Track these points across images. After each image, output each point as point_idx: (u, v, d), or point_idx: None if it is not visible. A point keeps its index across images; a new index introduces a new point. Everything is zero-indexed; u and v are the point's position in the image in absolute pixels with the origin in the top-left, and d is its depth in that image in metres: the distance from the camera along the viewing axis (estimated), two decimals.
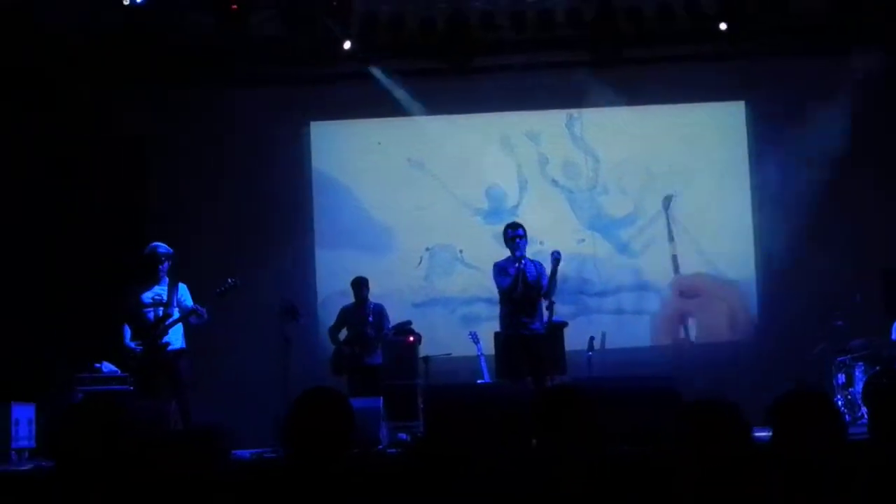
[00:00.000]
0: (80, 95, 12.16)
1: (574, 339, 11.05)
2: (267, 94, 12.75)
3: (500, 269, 9.62)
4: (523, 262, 9.47)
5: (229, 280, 9.65)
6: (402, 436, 9.55)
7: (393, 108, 13.02)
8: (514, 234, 9.58)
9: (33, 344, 11.22)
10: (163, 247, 9.66)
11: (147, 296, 9.52)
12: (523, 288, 9.43)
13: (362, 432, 8.09)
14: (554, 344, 9.66)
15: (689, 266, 13.20)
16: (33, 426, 10.06)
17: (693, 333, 13.09)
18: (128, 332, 9.55)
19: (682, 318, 13.21)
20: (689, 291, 13.20)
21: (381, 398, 9.23)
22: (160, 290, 9.53)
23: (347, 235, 13.27)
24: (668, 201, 13.14)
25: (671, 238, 13.24)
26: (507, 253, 9.90)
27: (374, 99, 13.02)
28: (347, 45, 12.23)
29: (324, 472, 3.35)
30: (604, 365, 11.11)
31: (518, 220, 9.90)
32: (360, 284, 11.47)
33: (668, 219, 13.25)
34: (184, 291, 9.64)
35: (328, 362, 11.43)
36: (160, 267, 9.56)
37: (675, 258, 13.28)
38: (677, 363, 11.85)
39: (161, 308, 9.47)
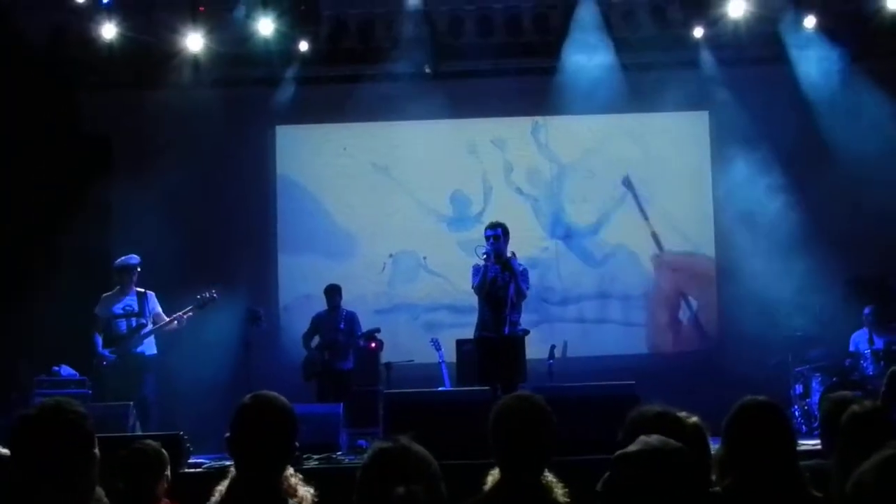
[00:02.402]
0: (46, 95, 12.08)
1: (536, 348, 11.10)
2: (233, 96, 12.69)
3: (474, 272, 9.60)
4: (489, 260, 9.39)
5: (209, 293, 9.88)
6: (362, 442, 9.57)
7: (359, 113, 13.01)
8: (491, 234, 9.50)
9: None
10: (134, 258, 10.02)
11: (118, 307, 9.90)
12: (489, 288, 9.39)
13: (322, 437, 8.11)
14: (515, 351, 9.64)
15: (644, 278, 13.28)
16: None
17: (656, 342, 13.18)
18: (99, 340, 9.78)
19: (641, 327, 13.30)
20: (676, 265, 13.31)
21: (342, 404, 9.22)
22: (130, 301, 9.92)
23: (311, 241, 13.28)
24: (628, 181, 13.16)
25: (645, 217, 13.30)
26: (471, 260, 9.88)
27: (341, 103, 13.03)
28: (303, 46, 12.22)
29: (267, 480, 3.33)
30: (565, 374, 11.13)
31: (498, 221, 9.79)
32: (332, 292, 11.52)
33: (636, 197, 13.30)
34: (153, 300, 9.90)
35: (295, 368, 11.47)
36: (129, 277, 9.83)
37: (654, 235, 13.34)
38: (639, 372, 11.92)
39: (134, 318, 9.78)
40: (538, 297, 12.62)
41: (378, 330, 11.65)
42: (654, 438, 2.91)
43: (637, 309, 13.30)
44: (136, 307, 9.87)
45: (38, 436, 2.98)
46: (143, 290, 9.97)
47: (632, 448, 2.89)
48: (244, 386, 9.49)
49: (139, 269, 9.99)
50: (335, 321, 11.41)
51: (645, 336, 13.27)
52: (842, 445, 3.48)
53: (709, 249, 13.25)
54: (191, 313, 9.89)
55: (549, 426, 3.62)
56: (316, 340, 11.50)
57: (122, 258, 10.05)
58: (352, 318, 11.51)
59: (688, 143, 13.52)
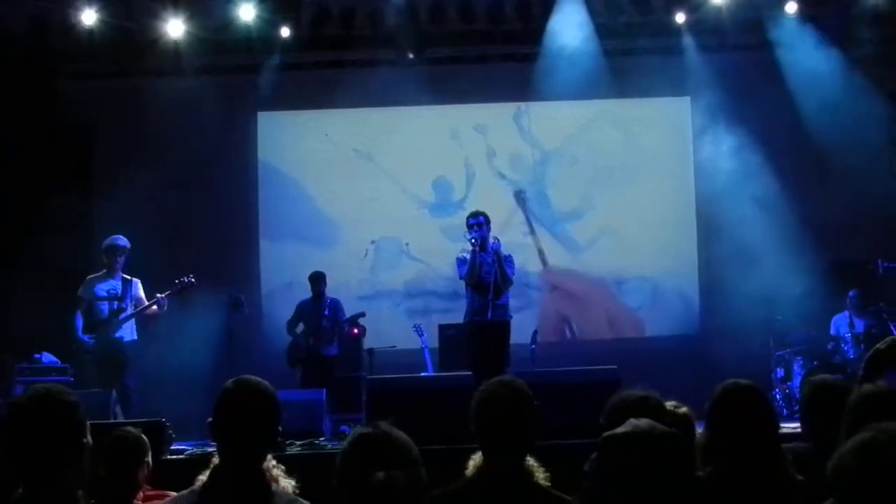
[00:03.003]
0: (26, 84, 12.00)
1: (520, 332, 11.09)
2: (214, 83, 12.63)
3: (459, 261, 9.67)
4: (476, 247, 9.45)
5: (186, 278, 9.81)
6: (345, 428, 9.55)
7: (341, 99, 12.97)
8: (474, 222, 9.57)
9: None
10: (122, 240, 9.89)
11: (101, 288, 9.78)
12: (476, 275, 9.46)
13: (305, 423, 8.09)
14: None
15: (630, 260, 13.30)
16: None
17: (638, 327, 13.21)
18: (80, 322, 9.65)
19: (624, 314, 13.32)
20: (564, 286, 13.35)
21: (325, 390, 9.20)
22: (115, 284, 9.80)
23: (293, 227, 13.25)
24: (520, 195, 13.12)
25: (532, 232, 13.32)
26: (454, 246, 9.92)
27: (323, 90, 12.99)
28: (285, 32, 12.18)
29: (249, 465, 3.31)
30: (548, 358, 11.15)
31: (478, 210, 9.85)
32: (317, 279, 11.49)
33: (525, 213, 13.33)
34: (136, 287, 9.83)
35: (278, 354, 11.47)
36: (116, 259, 9.72)
37: (540, 252, 13.35)
38: (623, 356, 11.93)
39: (116, 302, 9.67)
40: (521, 282, 12.61)
41: (363, 314, 11.65)
42: (643, 422, 2.90)
43: (622, 294, 13.31)
44: (119, 291, 9.76)
45: (29, 425, 2.94)
46: (129, 276, 9.90)
47: (620, 430, 2.88)
48: (227, 372, 9.40)
49: (127, 254, 9.86)
50: (320, 308, 11.40)
51: (630, 321, 13.28)
52: (849, 425, 3.45)
53: (690, 234, 13.26)
54: (167, 297, 9.77)
55: (531, 411, 3.62)
56: (300, 328, 11.48)
57: (110, 238, 9.93)
58: (336, 306, 11.51)
59: (670, 128, 13.53)
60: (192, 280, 9.91)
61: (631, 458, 2.79)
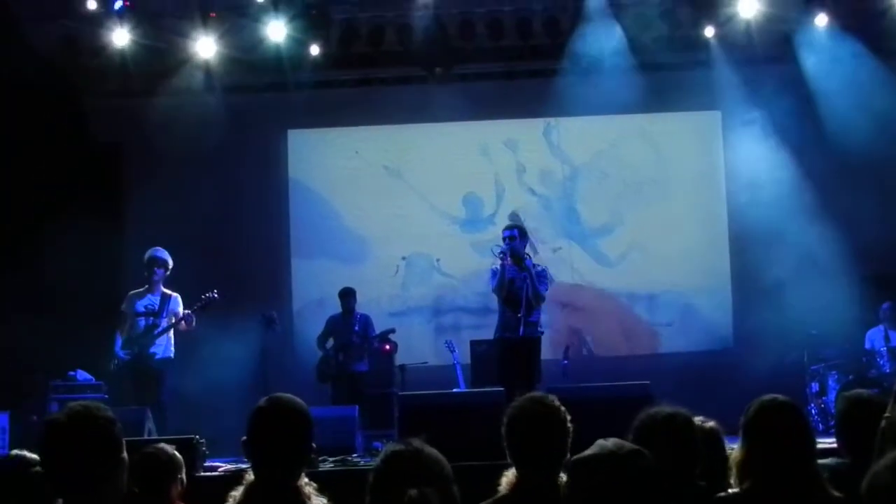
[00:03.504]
0: (57, 103, 12.11)
1: (551, 348, 11.06)
2: (244, 101, 12.69)
3: (492, 274, 9.61)
4: (505, 259, 9.41)
5: (210, 294, 9.83)
6: (377, 444, 9.55)
7: (370, 117, 13.02)
8: (507, 235, 9.54)
9: (7, 351, 11.15)
10: (160, 252, 9.95)
11: (141, 304, 9.87)
12: (506, 289, 9.42)
13: (337, 440, 8.11)
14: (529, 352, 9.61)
15: (662, 275, 13.23)
16: (7, 434, 10.01)
17: (670, 342, 13.12)
18: (119, 339, 9.70)
19: (656, 329, 13.26)
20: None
21: (357, 406, 9.21)
22: (153, 300, 9.88)
23: (324, 245, 13.29)
24: (515, 215, 12.91)
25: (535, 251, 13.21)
26: (484, 262, 9.90)
27: (352, 107, 13.05)
28: (315, 50, 12.22)
29: (283, 483, 3.32)
30: (581, 374, 11.09)
31: (515, 223, 9.84)
32: (347, 295, 11.53)
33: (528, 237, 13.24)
34: (175, 303, 9.86)
35: (310, 371, 11.48)
36: (156, 272, 9.73)
37: (571, 267, 13.26)
38: (656, 372, 11.87)
39: (152, 318, 9.72)
40: (551, 298, 12.57)
41: (393, 330, 11.66)
42: (610, 442, 2.88)
43: (654, 309, 13.25)
44: (156, 307, 9.82)
45: (67, 441, 2.96)
46: (169, 291, 9.94)
47: (587, 453, 2.86)
48: (260, 390, 9.48)
49: (167, 268, 9.91)
50: (350, 324, 11.44)
51: (661, 336, 13.21)
52: (879, 449, 3.42)
53: (723, 249, 13.19)
54: (193, 313, 9.78)
55: (563, 426, 3.63)
56: (330, 343, 11.50)
57: (150, 249, 10.00)
58: (366, 321, 11.53)
59: (700, 143, 13.49)
60: (216, 295, 9.91)
61: (598, 481, 2.77)
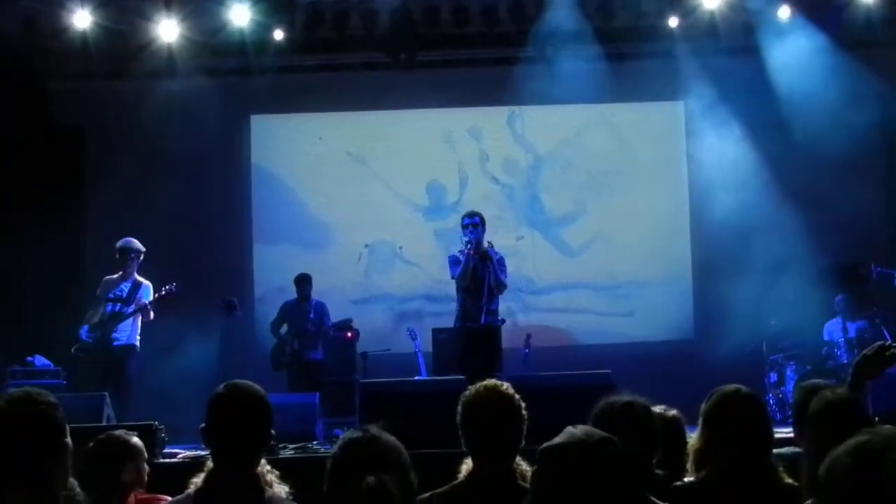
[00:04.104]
0: (18, 86, 11.98)
1: (512, 337, 11.10)
2: (207, 86, 12.55)
3: (452, 261, 9.57)
4: (472, 248, 9.36)
5: (168, 287, 9.76)
6: (338, 431, 9.55)
7: (334, 102, 12.98)
8: (469, 222, 9.48)
9: None
10: (132, 242, 9.90)
11: (113, 291, 9.78)
12: (468, 278, 9.38)
13: (298, 427, 8.10)
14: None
15: (624, 265, 13.30)
16: None
17: (631, 332, 13.18)
18: (85, 323, 9.72)
19: (618, 317, 13.32)
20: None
21: (318, 394, 9.20)
22: (124, 287, 9.82)
23: (286, 231, 13.25)
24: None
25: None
26: (448, 250, 9.88)
27: (316, 92, 13.00)
28: (278, 35, 12.16)
29: (243, 469, 3.32)
30: (542, 363, 11.14)
31: (474, 210, 9.78)
32: (303, 281, 11.46)
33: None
34: (145, 292, 9.80)
35: (268, 357, 11.40)
36: (128, 261, 9.71)
37: (533, 256, 13.23)
38: (616, 361, 11.94)
39: (119, 304, 9.68)
40: (514, 286, 12.59)
41: (350, 321, 11.65)
42: (579, 429, 2.85)
43: (615, 298, 13.32)
44: (125, 294, 9.76)
45: (6, 427, 2.95)
46: (142, 279, 9.87)
47: (556, 440, 2.84)
48: (220, 377, 9.46)
49: (138, 258, 9.85)
50: (305, 311, 11.37)
51: (623, 325, 13.27)
52: (814, 431, 3.49)
53: (684, 239, 13.29)
54: (150, 305, 9.72)
55: (518, 414, 3.64)
56: (284, 329, 11.47)
57: (122, 239, 9.94)
58: (322, 309, 11.47)
59: (663, 133, 13.56)
60: (174, 289, 9.81)
61: (567, 467, 2.75)
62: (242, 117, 13.36)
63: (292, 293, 11.64)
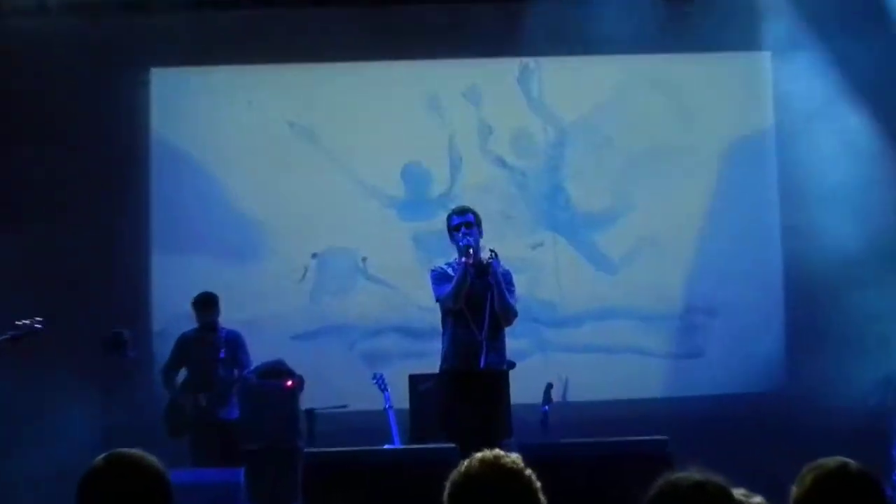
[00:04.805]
0: None
1: (525, 388, 11.06)
2: (92, 29, 12.57)
3: (437, 276, 9.45)
4: (469, 257, 9.22)
5: (31, 321, 9.64)
6: None
7: (269, 52, 12.97)
8: (461, 221, 9.35)
9: None
10: None
11: None
12: (463, 299, 9.26)
13: None
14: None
15: (683, 284, 13.32)
16: None
17: (693, 381, 13.18)
18: None
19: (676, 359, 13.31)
20: None
21: (243, 469, 9.16)
22: None
23: (199, 235, 13.25)
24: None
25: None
26: (431, 261, 9.83)
27: (243, 38, 12.98)
28: None
29: None
30: (567, 425, 11.14)
31: (467, 206, 9.67)
32: (205, 303, 11.44)
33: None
34: None
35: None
36: None
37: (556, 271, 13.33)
38: (670, 423, 11.92)
39: None
40: (528, 315, 12.53)
41: (282, 362, 11.58)
42: None
43: (671, 333, 13.32)
44: None
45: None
46: None
47: None
48: (100, 443, 9.42)
49: None
50: (212, 346, 11.33)
51: (678, 372, 13.27)
52: None
53: (772, 249, 13.28)
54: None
55: (531, 498, 3.58)
56: (183, 375, 11.41)
57: None
58: (235, 342, 11.47)
59: (743, 96, 13.59)
60: (38, 325, 9.73)
61: None
62: (138, 70, 13.32)
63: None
